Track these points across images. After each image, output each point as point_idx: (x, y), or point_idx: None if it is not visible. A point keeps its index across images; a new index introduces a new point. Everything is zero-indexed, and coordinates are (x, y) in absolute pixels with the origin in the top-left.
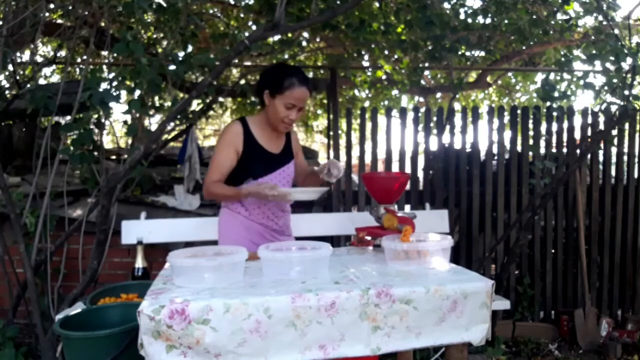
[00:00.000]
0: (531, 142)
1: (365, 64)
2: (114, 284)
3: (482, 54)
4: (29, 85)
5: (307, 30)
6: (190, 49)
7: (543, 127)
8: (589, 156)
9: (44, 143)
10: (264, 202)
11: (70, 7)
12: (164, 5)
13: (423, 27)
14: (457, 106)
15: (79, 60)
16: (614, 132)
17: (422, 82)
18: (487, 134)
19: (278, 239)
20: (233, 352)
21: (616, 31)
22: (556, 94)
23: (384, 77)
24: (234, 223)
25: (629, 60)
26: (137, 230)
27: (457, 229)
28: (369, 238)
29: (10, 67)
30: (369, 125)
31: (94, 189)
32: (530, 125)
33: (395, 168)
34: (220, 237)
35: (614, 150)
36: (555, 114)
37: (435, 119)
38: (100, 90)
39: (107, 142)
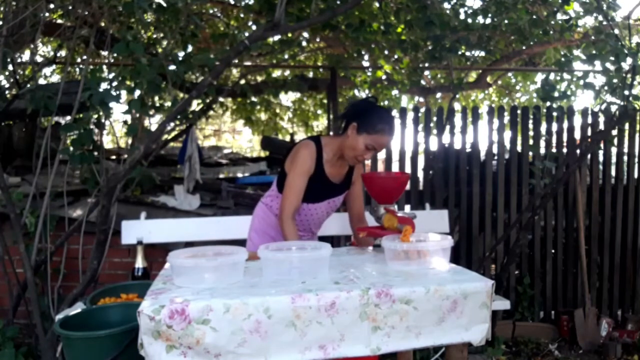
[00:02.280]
0: (531, 142)
1: (365, 64)
2: (114, 284)
3: (482, 54)
4: (29, 85)
5: (307, 30)
6: (190, 49)
7: (543, 127)
8: (589, 156)
9: (44, 143)
10: (309, 219)
11: (70, 7)
12: (164, 5)
13: (423, 27)
14: (457, 106)
15: (79, 60)
16: (614, 132)
17: (422, 82)
18: (487, 134)
19: None
20: (233, 352)
21: (616, 31)
22: (556, 94)
23: (384, 77)
24: (268, 221)
25: (629, 60)
26: (137, 230)
27: (457, 229)
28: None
29: (10, 67)
30: None
31: (94, 189)
32: (530, 125)
33: (395, 168)
34: (253, 228)
35: (614, 150)
36: (555, 114)
37: (435, 119)
38: (100, 90)
39: (107, 142)
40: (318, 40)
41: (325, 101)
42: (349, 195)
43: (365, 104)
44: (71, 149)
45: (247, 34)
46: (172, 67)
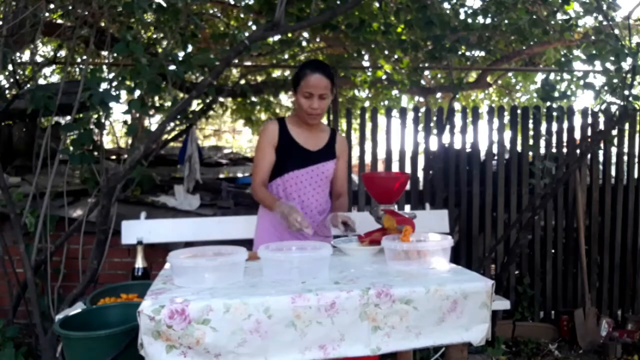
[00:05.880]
0: (531, 142)
1: (365, 64)
2: (114, 284)
3: (482, 54)
4: (29, 85)
5: (307, 30)
6: (190, 49)
7: (543, 127)
8: (589, 156)
9: (44, 143)
10: (299, 191)
11: (70, 7)
12: (164, 5)
13: (423, 27)
14: (457, 106)
15: (79, 60)
16: (614, 132)
17: (422, 82)
18: (487, 134)
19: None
20: (233, 352)
21: (616, 31)
22: (556, 94)
23: (384, 77)
24: (270, 223)
25: (629, 60)
26: (137, 230)
27: (457, 229)
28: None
29: (10, 67)
30: (369, 125)
31: (94, 189)
32: (530, 125)
33: (395, 168)
34: (256, 237)
35: (614, 150)
36: (555, 114)
37: (435, 119)
38: (100, 90)
39: (107, 142)
40: (318, 40)
41: None
42: (335, 170)
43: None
44: (71, 149)
45: (247, 34)
46: (172, 67)
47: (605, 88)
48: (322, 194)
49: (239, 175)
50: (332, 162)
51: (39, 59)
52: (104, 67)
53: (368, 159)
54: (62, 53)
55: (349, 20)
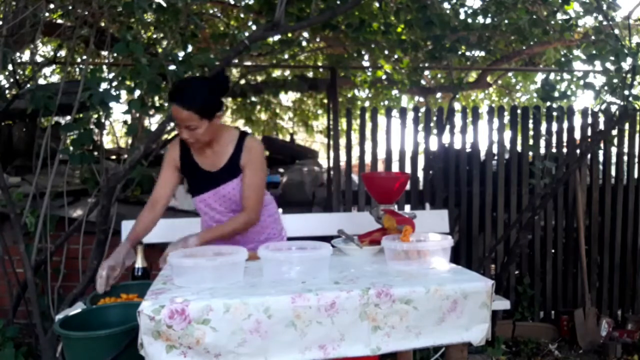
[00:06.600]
0: (531, 142)
1: (365, 64)
2: (114, 284)
3: (482, 54)
4: (29, 85)
5: (307, 30)
6: (190, 49)
7: (543, 127)
8: (589, 156)
9: (44, 143)
10: (213, 212)
11: (70, 7)
12: (164, 5)
13: (423, 27)
14: (457, 106)
15: (79, 60)
16: (614, 132)
17: (422, 82)
18: (487, 134)
19: None
20: (233, 352)
21: (616, 31)
22: (556, 94)
23: (384, 77)
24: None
25: (629, 60)
26: None
27: (457, 229)
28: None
29: (10, 67)
30: (369, 125)
31: (94, 189)
32: (530, 125)
33: (395, 168)
34: None
35: (614, 150)
36: (555, 114)
37: (435, 119)
38: (100, 90)
39: (107, 142)
40: (318, 40)
41: (325, 101)
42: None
43: None
44: (71, 149)
45: (247, 34)
46: (172, 67)
47: (605, 88)
48: (236, 213)
49: None
50: (235, 180)
51: (39, 59)
52: (104, 67)
53: (368, 159)
54: (62, 53)
55: (349, 20)
